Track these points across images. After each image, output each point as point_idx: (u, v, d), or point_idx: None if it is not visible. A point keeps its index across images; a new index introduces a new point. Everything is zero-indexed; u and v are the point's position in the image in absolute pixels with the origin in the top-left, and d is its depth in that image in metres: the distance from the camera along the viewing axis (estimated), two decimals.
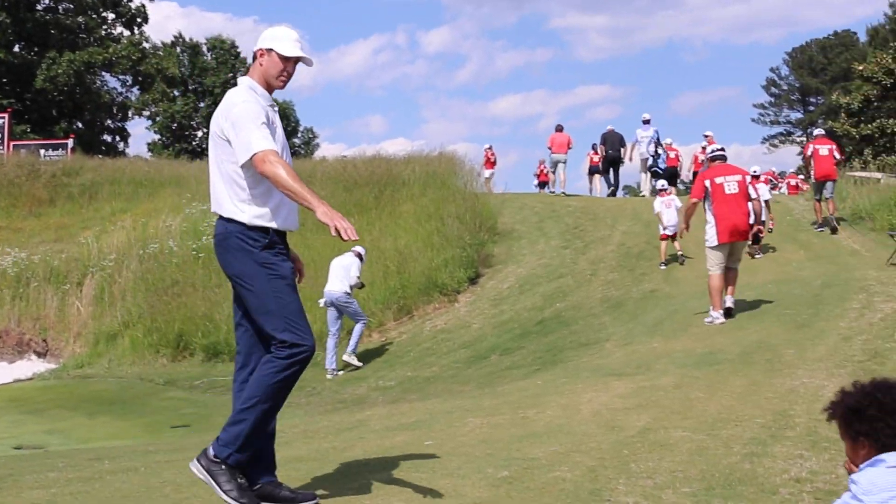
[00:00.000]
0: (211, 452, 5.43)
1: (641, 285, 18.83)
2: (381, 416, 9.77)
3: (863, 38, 65.20)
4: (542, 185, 38.24)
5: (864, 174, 28.16)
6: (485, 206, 25.95)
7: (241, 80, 5.66)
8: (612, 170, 31.22)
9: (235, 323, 5.73)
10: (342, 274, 18.29)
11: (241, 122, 5.30)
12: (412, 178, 27.93)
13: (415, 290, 21.43)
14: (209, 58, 69.22)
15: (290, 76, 5.69)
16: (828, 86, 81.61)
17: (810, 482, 6.18)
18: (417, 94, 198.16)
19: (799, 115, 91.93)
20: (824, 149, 22.37)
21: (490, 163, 35.40)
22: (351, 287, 18.36)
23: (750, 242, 14.24)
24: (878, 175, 27.98)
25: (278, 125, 5.61)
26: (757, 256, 17.16)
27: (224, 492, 5.36)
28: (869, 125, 42.81)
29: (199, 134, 68.77)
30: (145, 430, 14.31)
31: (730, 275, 13.88)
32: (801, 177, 31.36)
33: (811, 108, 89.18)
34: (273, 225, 5.46)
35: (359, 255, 18.62)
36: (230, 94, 5.51)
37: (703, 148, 27.78)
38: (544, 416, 8.41)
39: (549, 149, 31.51)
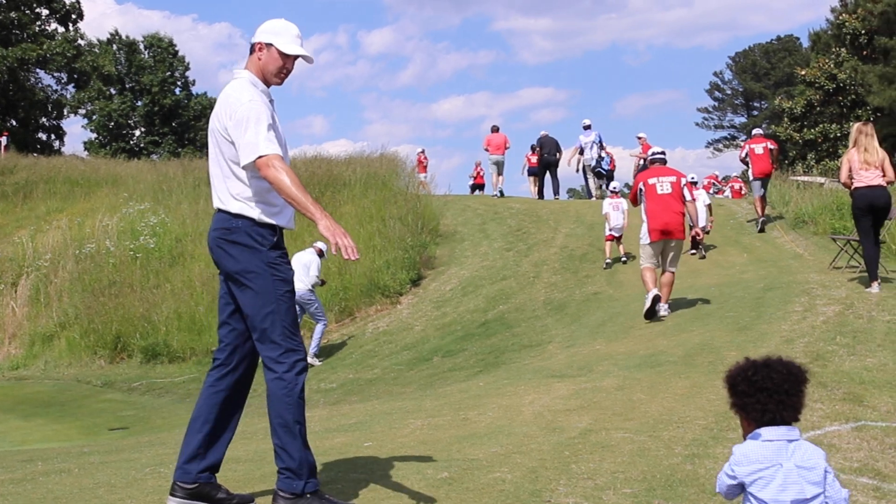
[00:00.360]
0: (285, 494, 5.30)
1: (584, 287, 18.84)
2: (322, 418, 9.64)
3: (805, 43, 65.82)
4: (476, 187, 38.02)
5: (806, 178, 28.41)
6: (427, 208, 25.86)
7: (239, 73, 5.56)
8: (548, 173, 31.27)
9: (221, 321, 5.63)
10: (302, 272, 18.10)
11: (247, 122, 5.20)
12: (353, 180, 27.78)
13: (356, 291, 21.31)
14: (146, 56, 68.48)
15: (288, 73, 5.61)
16: (771, 90, 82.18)
17: None
18: (360, 96, 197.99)
19: (743, 120, 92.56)
20: (759, 147, 23.01)
21: (423, 167, 35.28)
22: (312, 285, 18.26)
23: (690, 247, 14.59)
24: (821, 179, 28.20)
25: (278, 123, 5.52)
26: (700, 258, 17.02)
27: None
28: (812, 130, 43.25)
29: (137, 133, 68.06)
30: (82, 432, 14.09)
31: (666, 278, 14.18)
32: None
33: (755, 112, 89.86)
34: (281, 223, 5.46)
35: (320, 252, 18.44)
36: (234, 91, 5.40)
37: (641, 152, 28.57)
38: (485, 418, 8.33)
39: (486, 150, 31.63)
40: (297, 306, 17.49)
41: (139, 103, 67.16)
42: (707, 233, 21.73)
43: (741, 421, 3.84)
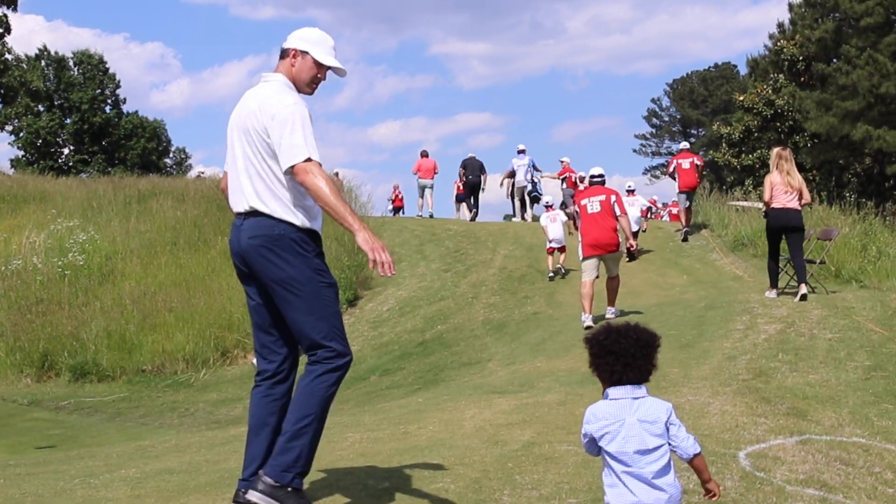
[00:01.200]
0: (269, 480, 5.12)
1: (524, 308, 18.72)
2: None
3: (743, 70, 66.52)
4: (396, 210, 38.03)
5: (745, 203, 28.64)
6: None
7: (271, 76, 5.49)
8: (472, 196, 31.54)
9: (262, 330, 5.50)
10: None
11: (292, 124, 5.14)
12: None
13: None
14: (76, 73, 67.74)
15: (319, 83, 5.55)
16: (708, 117, 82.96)
17: (698, 493, 6.01)
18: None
19: (680, 147, 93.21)
20: (686, 162, 24.55)
21: (399, 200, 35.51)
22: None
23: (626, 259, 15.61)
24: (760, 204, 28.30)
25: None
26: (628, 260, 17.35)
27: None
28: (750, 155, 43.65)
29: (66, 151, 67.16)
30: (8, 450, 13.65)
31: (612, 284, 15.26)
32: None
33: (692, 139, 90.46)
34: (317, 228, 5.39)
35: None
36: (275, 92, 5.33)
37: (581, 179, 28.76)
38: (426, 431, 8.14)
39: (416, 174, 31.92)
40: None
41: (68, 121, 66.54)
42: (644, 230, 24.65)
43: (601, 384, 4.19)
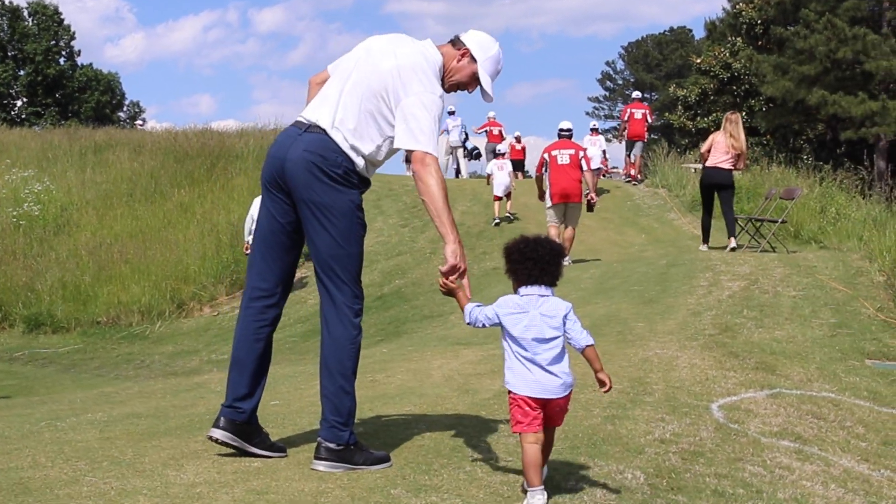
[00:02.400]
0: (331, 445, 5.03)
1: (482, 263, 18.66)
2: (222, 380, 9.20)
3: (700, 33, 66.53)
4: None
5: (700, 166, 28.68)
6: None
7: (436, 52, 5.31)
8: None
9: (267, 251, 5.27)
10: None
11: (430, 111, 4.99)
12: (246, 152, 27.31)
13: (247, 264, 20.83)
14: (30, 24, 66.67)
15: (459, 91, 5.48)
16: (662, 81, 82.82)
17: (675, 443, 6.03)
18: (249, 75, 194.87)
19: (633, 96, 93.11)
20: (638, 112, 26.84)
21: None
22: None
23: (585, 209, 16.65)
24: None
25: None
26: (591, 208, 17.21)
27: (367, 465, 5.04)
28: (705, 118, 43.64)
29: (19, 103, 66.21)
30: None
31: (567, 233, 16.38)
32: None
33: (645, 103, 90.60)
34: (369, 178, 5.22)
35: None
36: (431, 72, 5.17)
37: (517, 139, 33.02)
38: (394, 380, 8.06)
39: None
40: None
41: (21, 72, 65.41)
42: (604, 174, 26.88)
43: (512, 283, 4.76)
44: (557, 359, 4.66)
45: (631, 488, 5.05)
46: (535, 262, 4.64)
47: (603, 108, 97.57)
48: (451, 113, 31.28)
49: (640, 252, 18.26)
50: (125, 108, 75.02)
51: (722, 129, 16.30)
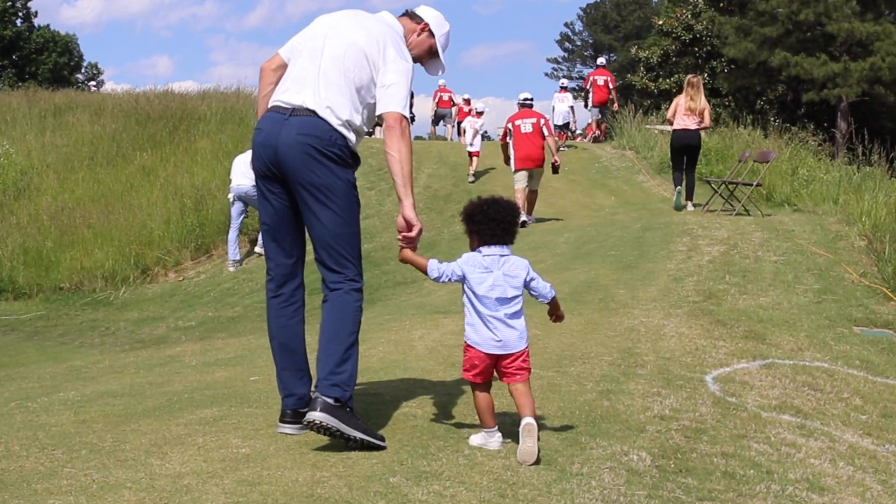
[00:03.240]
0: (329, 399, 4.89)
1: (452, 227, 18.35)
2: (195, 352, 8.96)
3: None
4: None
5: (664, 127, 28.58)
6: None
7: (397, 24, 5.54)
8: None
9: (279, 237, 5.29)
10: (245, 169, 17.43)
11: (406, 77, 5.22)
12: (209, 114, 26.77)
13: (213, 228, 20.41)
14: None
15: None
16: (620, 42, 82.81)
17: (675, 419, 5.82)
18: (206, 37, 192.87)
19: (597, 63, 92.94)
20: (601, 79, 28.43)
21: None
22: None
23: (551, 171, 17.91)
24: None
25: None
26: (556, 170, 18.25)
27: (360, 432, 4.92)
28: (667, 80, 43.41)
29: None
30: None
31: (531, 196, 17.65)
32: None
33: (608, 68, 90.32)
34: (358, 155, 5.32)
35: None
36: (401, 42, 5.42)
37: (467, 101, 32.45)
38: (377, 352, 7.80)
39: None
40: (240, 202, 18.30)
41: None
42: (572, 132, 28.86)
43: (471, 241, 5.12)
44: (517, 315, 5.01)
45: (638, 471, 4.84)
46: (497, 223, 4.97)
47: (562, 69, 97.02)
48: None
49: (612, 215, 18.04)
50: (83, 70, 74.13)
51: (684, 92, 17.22)
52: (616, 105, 29.16)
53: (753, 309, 9.24)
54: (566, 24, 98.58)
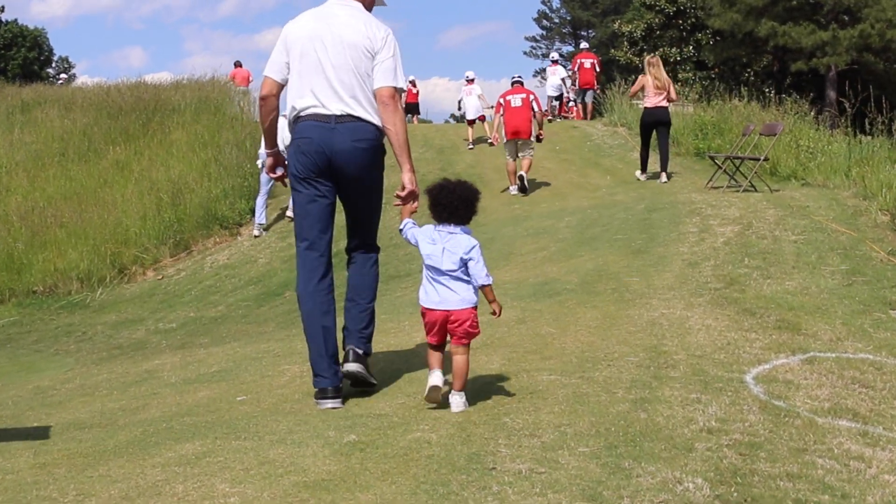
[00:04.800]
0: (360, 351, 6.10)
1: None
2: (175, 366, 8.20)
3: None
4: None
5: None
6: None
7: (352, 3, 6.14)
8: None
9: (326, 228, 6.13)
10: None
11: (395, 51, 5.99)
12: (183, 105, 25.99)
13: (192, 223, 19.63)
14: None
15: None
16: (599, 18, 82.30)
17: (724, 433, 5.08)
18: (179, 27, 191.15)
19: (570, 49, 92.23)
20: (587, 62, 29.39)
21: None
22: (285, 147, 17.89)
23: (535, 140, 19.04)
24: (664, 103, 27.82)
25: None
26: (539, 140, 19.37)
27: (373, 377, 6.18)
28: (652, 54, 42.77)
29: None
30: None
31: (524, 161, 18.87)
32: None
33: (582, 41, 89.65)
34: None
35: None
36: (371, 18, 6.14)
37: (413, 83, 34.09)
38: (375, 359, 7.03)
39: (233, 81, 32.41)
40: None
41: None
42: (567, 102, 30.51)
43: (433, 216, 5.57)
44: (457, 284, 5.50)
45: None
46: (444, 207, 5.50)
47: (540, 48, 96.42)
48: None
49: (610, 195, 17.29)
50: (54, 64, 73.29)
51: (647, 73, 18.17)
52: (598, 89, 30.27)
53: (781, 295, 8.49)
54: (543, 2, 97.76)
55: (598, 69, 29.81)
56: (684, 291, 8.77)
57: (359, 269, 6.27)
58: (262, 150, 18.15)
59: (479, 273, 5.46)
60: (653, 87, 17.87)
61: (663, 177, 18.18)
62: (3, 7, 68.10)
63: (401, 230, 5.78)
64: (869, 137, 18.18)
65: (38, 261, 18.79)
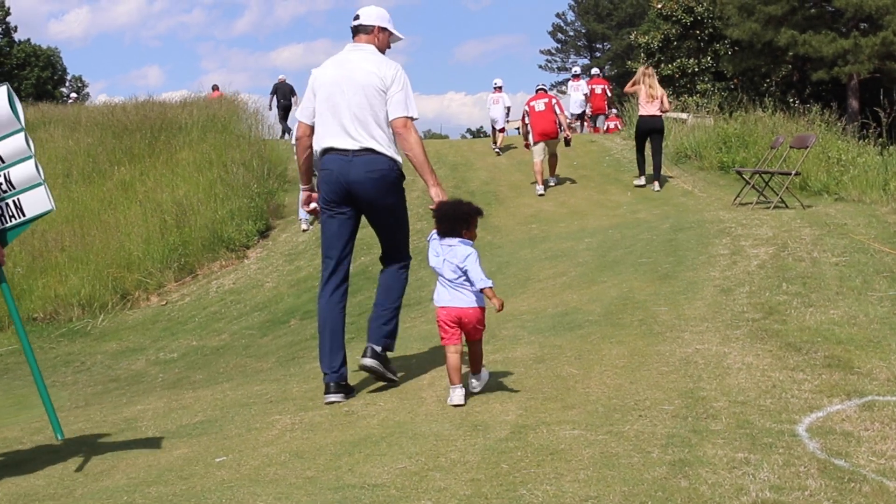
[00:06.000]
0: (378, 349, 6.88)
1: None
2: (157, 413, 7.43)
3: None
4: None
5: (678, 115, 27.35)
6: (273, 152, 23.59)
7: (366, 46, 7.02)
8: (286, 119, 32.93)
9: (341, 248, 7.04)
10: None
11: (407, 85, 6.83)
12: (190, 123, 25.31)
13: (197, 246, 18.90)
14: None
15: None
16: (613, 31, 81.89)
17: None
18: (196, 45, 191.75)
19: (586, 61, 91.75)
20: (598, 87, 30.80)
21: None
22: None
23: (563, 144, 20.45)
24: (684, 115, 27.16)
25: None
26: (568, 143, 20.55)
27: (392, 374, 7.02)
28: (669, 65, 42.08)
29: None
30: None
31: (552, 161, 20.62)
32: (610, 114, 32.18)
33: (598, 53, 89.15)
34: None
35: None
36: (382, 58, 6.98)
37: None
38: (377, 410, 6.29)
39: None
40: None
41: None
42: (589, 116, 31.00)
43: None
44: (462, 289, 6.21)
45: None
46: (442, 223, 6.25)
47: (556, 61, 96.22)
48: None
49: (632, 214, 16.48)
50: (67, 84, 73.08)
51: (641, 83, 19.01)
52: (610, 114, 31.31)
53: (827, 326, 7.66)
54: (558, 15, 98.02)
55: (609, 94, 31.11)
56: (719, 323, 7.96)
57: (388, 274, 7.20)
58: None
59: (476, 279, 6.14)
60: (646, 95, 18.83)
61: (655, 185, 18.98)
62: (15, 27, 68.01)
63: (428, 240, 6.44)
64: None
65: (38, 286, 18.09)
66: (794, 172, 14.98)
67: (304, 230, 19.19)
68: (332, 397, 6.69)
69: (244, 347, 12.96)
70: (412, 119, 6.82)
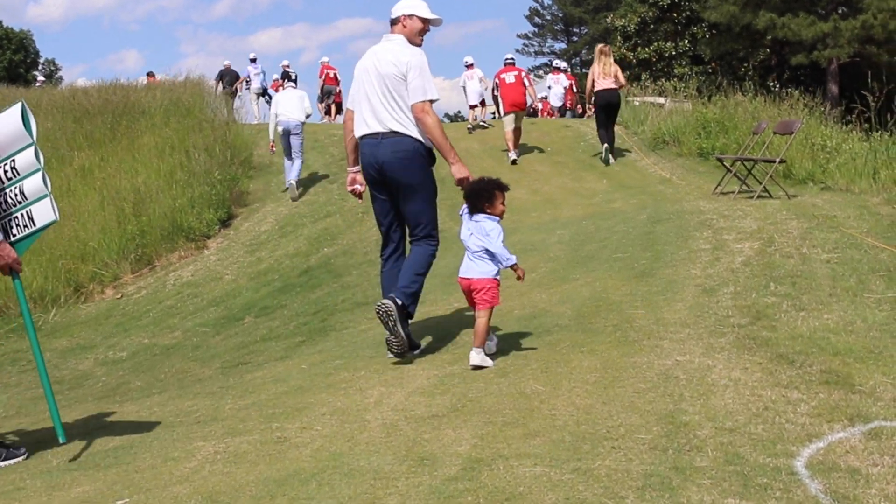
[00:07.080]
0: (399, 300, 7.21)
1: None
2: (75, 432, 6.62)
3: None
4: None
5: (648, 99, 26.73)
6: (237, 137, 22.75)
7: (395, 37, 7.58)
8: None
9: (388, 224, 7.74)
10: (297, 104, 19.51)
11: (423, 70, 7.37)
12: (153, 107, 24.41)
13: (156, 235, 18.02)
14: None
15: (425, 34, 7.71)
16: (591, 15, 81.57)
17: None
18: (174, 28, 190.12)
19: (563, 45, 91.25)
20: (566, 83, 31.93)
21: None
22: (306, 116, 19.74)
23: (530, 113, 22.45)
24: (661, 100, 26.56)
25: None
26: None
27: (404, 333, 7.32)
28: (646, 49, 41.61)
29: None
30: None
31: (515, 133, 21.10)
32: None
33: (575, 38, 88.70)
34: (431, 146, 7.52)
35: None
36: (403, 46, 7.50)
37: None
38: (312, 436, 5.50)
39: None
40: (287, 135, 19.40)
41: None
42: (569, 109, 31.85)
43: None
44: (481, 261, 6.81)
45: None
46: (468, 199, 6.94)
47: (532, 45, 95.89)
48: (253, 61, 33.79)
49: (608, 203, 15.72)
50: (40, 67, 72.34)
51: (597, 60, 19.75)
52: (579, 107, 32.72)
53: (821, 333, 6.90)
54: None
55: (575, 89, 32.64)
56: (701, 329, 7.20)
57: (415, 251, 7.57)
58: (281, 119, 19.19)
59: (501, 256, 6.71)
60: (601, 72, 19.56)
61: (611, 158, 20.02)
62: None
63: (460, 214, 7.01)
64: (886, 134, 16.61)
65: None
66: (778, 160, 14.23)
67: (292, 199, 19.48)
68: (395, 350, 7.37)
69: (194, 348, 12.14)
70: (430, 102, 7.32)
